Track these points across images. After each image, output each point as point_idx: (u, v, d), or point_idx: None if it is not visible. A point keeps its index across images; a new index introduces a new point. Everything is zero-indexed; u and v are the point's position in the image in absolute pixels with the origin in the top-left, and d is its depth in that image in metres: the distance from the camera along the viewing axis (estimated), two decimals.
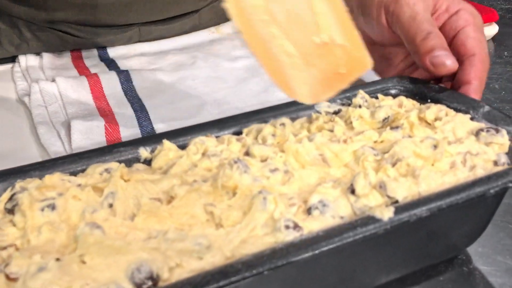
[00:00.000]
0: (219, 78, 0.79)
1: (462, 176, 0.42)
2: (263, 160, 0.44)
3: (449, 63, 0.53)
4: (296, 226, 0.36)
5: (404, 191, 0.39)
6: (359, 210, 0.39)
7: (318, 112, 0.53)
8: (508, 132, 0.46)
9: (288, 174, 0.42)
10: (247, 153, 0.44)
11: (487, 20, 0.96)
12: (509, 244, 0.49)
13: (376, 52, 0.62)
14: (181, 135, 0.48)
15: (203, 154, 0.44)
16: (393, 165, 0.42)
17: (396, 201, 0.39)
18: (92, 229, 0.34)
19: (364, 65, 0.45)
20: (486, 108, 0.50)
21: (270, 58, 0.43)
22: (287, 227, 0.36)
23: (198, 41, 0.95)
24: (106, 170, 0.42)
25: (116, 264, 0.33)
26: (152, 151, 0.47)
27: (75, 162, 0.44)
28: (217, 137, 0.48)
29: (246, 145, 0.45)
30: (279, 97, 0.73)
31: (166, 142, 0.46)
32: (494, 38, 0.98)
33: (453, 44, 0.56)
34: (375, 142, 0.46)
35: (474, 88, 0.53)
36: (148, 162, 0.46)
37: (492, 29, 0.97)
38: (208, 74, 0.81)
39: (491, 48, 0.96)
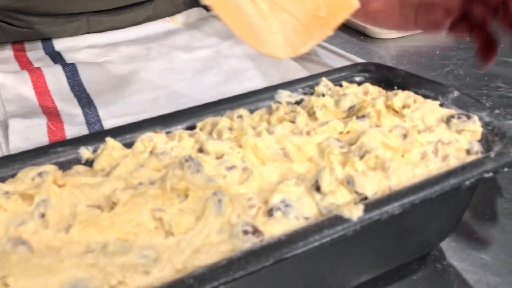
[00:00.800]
0: (175, 70, 0.74)
1: (434, 167, 0.39)
2: (219, 157, 0.39)
3: None
4: (255, 231, 0.32)
5: (373, 186, 0.36)
6: (325, 209, 0.35)
7: (278, 102, 0.49)
8: (480, 118, 0.43)
9: (246, 172, 0.38)
10: (200, 150, 0.40)
11: None
12: (483, 238, 0.47)
13: None
14: (127, 132, 0.43)
15: (151, 152, 0.39)
16: (361, 157, 0.38)
17: (366, 198, 0.36)
18: (15, 245, 0.29)
19: (348, 5, 0.38)
20: (456, 93, 0.47)
21: (233, 8, 0.37)
22: (245, 232, 0.32)
23: (152, 31, 0.89)
24: (40, 174, 0.37)
25: (46, 285, 0.28)
26: (95, 151, 0.42)
27: (4, 166, 0.39)
28: (167, 133, 0.43)
29: (200, 141, 0.41)
30: (239, 87, 0.69)
31: (109, 140, 0.41)
32: None
33: None
34: (340, 133, 0.43)
35: None
36: (90, 163, 0.41)
37: None
38: (163, 66, 0.75)
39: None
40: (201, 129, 0.44)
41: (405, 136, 0.40)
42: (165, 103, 0.64)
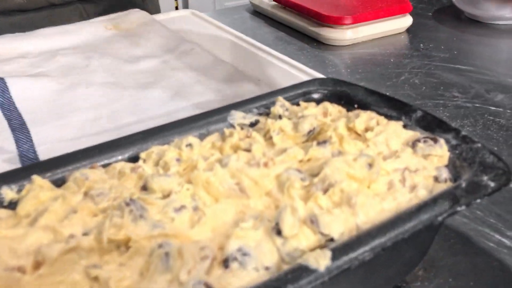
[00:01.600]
0: (118, 85, 0.68)
1: (403, 199, 0.36)
2: (166, 196, 0.35)
3: None
4: None
5: (340, 226, 0.32)
6: (288, 255, 0.31)
7: (231, 125, 0.45)
8: (446, 141, 0.40)
9: (198, 212, 0.34)
10: (144, 187, 0.35)
11: (400, 11, 0.93)
12: (451, 264, 0.44)
13: None
14: (59, 166, 0.38)
15: (86, 194, 0.34)
16: (325, 191, 0.35)
17: (331, 239, 0.32)
18: None
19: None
20: (419, 113, 0.44)
21: None
22: None
23: (92, 38, 0.83)
24: None
25: None
26: (20, 190, 0.36)
27: None
28: (106, 165, 0.38)
29: (143, 177, 0.36)
30: (188, 105, 0.64)
31: (36, 179, 0.35)
32: (408, 30, 0.96)
33: None
34: (300, 161, 0.39)
35: None
36: (14, 205, 0.35)
37: (406, 21, 0.95)
38: (105, 79, 0.69)
39: (406, 41, 0.93)
40: (145, 161, 0.39)
41: (370, 165, 0.36)
42: (106, 125, 0.58)
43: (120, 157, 0.40)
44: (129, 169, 0.36)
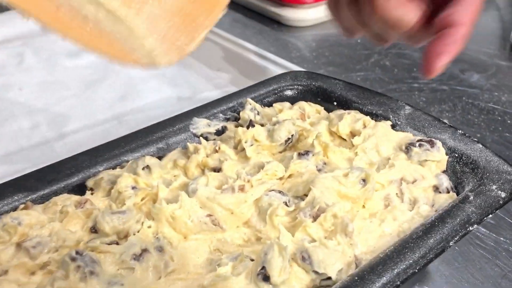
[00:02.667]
0: (58, 84, 0.59)
1: (404, 219, 0.31)
2: (122, 237, 0.28)
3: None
4: None
5: (337, 262, 0.27)
6: None
7: (195, 136, 0.38)
8: (442, 143, 0.35)
9: (163, 257, 0.27)
10: (94, 229, 0.28)
11: None
12: (447, 275, 0.40)
13: None
14: None
15: (18, 245, 0.27)
16: (315, 218, 0.29)
17: (329, 278, 0.27)
18: None
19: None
20: (407, 109, 0.39)
21: (67, 20, 0.24)
22: None
23: (26, 29, 0.73)
24: None
25: None
26: None
27: None
28: (43, 200, 0.31)
29: (93, 216, 0.29)
30: (141, 104, 0.56)
31: None
32: None
33: None
34: (280, 178, 0.33)
35: (465, 33, 0.35)
36: None
37: None
38: (42, 78, 0.61)
39: None
40: (93, 190, 0.32)
41: (364, 180, 0.31)
42: (47, 134, 0.50)
43: (62, 184, 0.33)
44: (73, 205, 0.29)
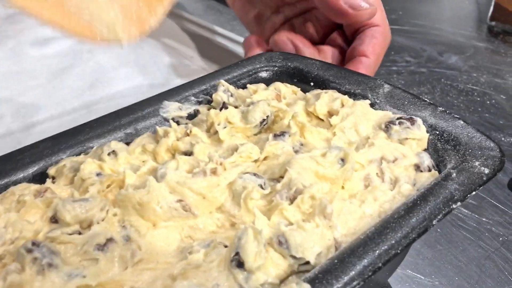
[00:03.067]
0: (24, 73, 0.57)
1: (386, 199, 0.29)
2: (86, 227, 0.26)
3: (364, 4, 0.40)
4: None
5: (315, 245, 0.25)
6: None
7: (165, 120, 0.36)
8: (423, 120, 0.34)
9: (130, 246, 0.25)
10: (54, 219, 0.26)
11: None
12: (430, 258, 0.39)
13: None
14: None
15: None
16: (292, 200, 0.27)
17: (307, 262, 0.25)
18: None
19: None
20: (387, 87, 0.38)
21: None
22: None
23: None
24: None
25: None
26: None
27: None
28: (0, 190, 0.29)
29: (53, 205, 0.27)
30: (111, 93, 0.54)
31: None
32: None
33: None
34: (256, 161, 0.31)
35: (369, 64, 0.41)
36: None
37: None
38: (6, 68, 0.58)
39: None
40: (54, 179, 0.30)
41: (343, 160, 0.30)
42: (11, 125, 0.47)
43: (21, 175, 0.31)
44: (32, 194, 0.27)
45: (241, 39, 0.64)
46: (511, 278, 0.37)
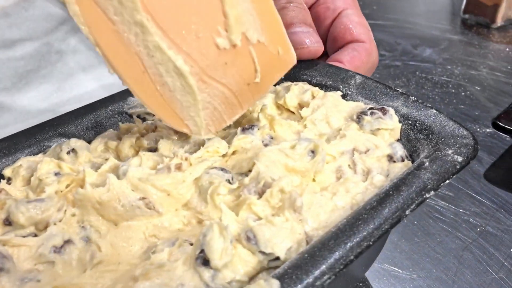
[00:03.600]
0: None
1: (358, 190, 0.28)
2: (42, 230, 0.25)
3: (309, 42, 0.39)
4: None
5: (285, 240, 0.24)
6: None
7: (131, 117, 0.35)
8: (395, 110, 0.33)
9: (90, 248, 0.24)
10: (8, 222, 0.25)
11: None
12: (407, 251, 0.38)
13: None
14: None
15: None
16: (260, 194, 0.26)
17: (277, 258, 0.24)
18: None
19: (287, 62, 0.29)
20: (358, 78, 0.37)
21: (149, 83, 0.26)
22: None
23: None
24: None
25: None
26: None
27: None
28: None
29: (6, 207, 0.25)
30: (80, 94, 0.53)
31: None
32: None
33: (335, 29, 0.43)
34: (224, 156, 0.30)
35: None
36: None
37: None
38: None
39: None
40: (10, 180, 0.28)
41: (313, 152, 0.29)
42: None
43: None
44: None
45: None
46: (489, 268, 0.37)
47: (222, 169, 0.28)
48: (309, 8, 0.44)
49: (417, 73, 0.60)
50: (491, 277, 0.36)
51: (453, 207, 0.42)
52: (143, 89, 0.26)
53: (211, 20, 0.26)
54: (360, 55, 0.41)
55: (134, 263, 0.24)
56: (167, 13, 0.25)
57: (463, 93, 0.55)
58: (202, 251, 0.23)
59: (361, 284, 0.36)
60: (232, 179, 0.27)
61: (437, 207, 0.42)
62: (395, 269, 0.37)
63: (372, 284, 0.36)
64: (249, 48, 0.27)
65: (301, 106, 0.34)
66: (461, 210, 0.42)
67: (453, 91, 0.56)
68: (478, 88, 0.56)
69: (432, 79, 0.59)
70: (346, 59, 0.41)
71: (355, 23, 0.42)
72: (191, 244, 0.25)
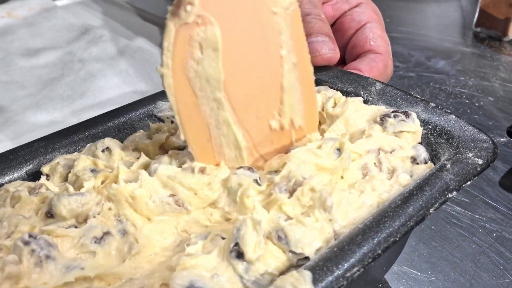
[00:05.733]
0: (14, 84, 0.56)
1: (383, 188, 0.29)
2: (82, 221, 0.26)
3: (325, 51, 0.41)
4: None
5: (315, 241, 0.25)
6: (255, 284, 0.23)
7: (160, 120, 0.36)
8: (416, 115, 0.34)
9: (127, 239, 0.25)
10: (50, 214, 0.26)
11: None
12: (426, 254, 0.39)
13: None
14: None
15: None
16: (291, 193, 0.27)
17: (306, 257, 0.25)
18: None
19: (308, 139, 0.32)
20: (379, 85, 0.38)
21: (208, 149, 0.29)
22: None
23: None
24: None
25: None
26: None
27: None
28: None
29: (48, 200, 0.26)
30: (103, 100, 0.54)
31: None
32: None
33: (356, 38, 0.45)
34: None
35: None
36: None
37: None
38: None
39: None
40: (49, 177, 0.30)
41: (339, 150, 0.30)
42: (0, 134, 0.47)
43: (15, 174, 0.30)
44: (26, 190, 0.27)
45: None
46: (506, 272, 0.37)
47: (249, 169, 0.29)
48: (336, 19, 0.46)
49: (431, 83, 0.61)
50: (508, 280, 0.37)
51: (469, 213, 0.43)
52: (203, 155, 0.29)
53: (271, 104, 0.30)
54: (378, 66, 0.43)
55: (169, 254, 0.25)
56: (240, 94, 0.29)
57: (476, 104, 0.57)
58: (236, 244, 0.24)
59: (380, 285, 0.37)
60: (259, 179, 0.28)
61: (454, 213, 0.43)
62: (414, 271, 0.38)
63: (391, 286, 0.37)
64: (292, 131, 0.31)
65: (323, 109, 0.35)
66: (477, 216, 0.42)
67: (467, 101, 0.57)
68: (491, 99, 0.57)
69: (446, 90, 0.60)
70: (366, 68, 0.42)
71: (376, 36, 0.44)
72: (223, 238, 0.26)
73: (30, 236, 0.23)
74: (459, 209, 0.43)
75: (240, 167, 0.29)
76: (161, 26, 0.73)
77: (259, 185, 0.28)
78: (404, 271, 0.38)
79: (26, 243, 0.22)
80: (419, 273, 0.38)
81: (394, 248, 0.33)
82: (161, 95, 0.38)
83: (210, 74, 0.27)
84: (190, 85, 0.27)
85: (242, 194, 0.27)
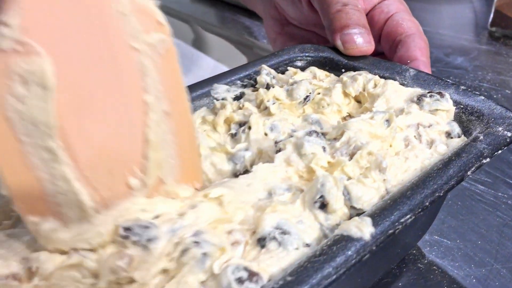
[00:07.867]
0: None
1: (425, 156, 0.33)
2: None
3: (360, 42, 0.44)
4: (252, 275, 0.23)
5: (373, 198, 0.29)
6: (328, 229, 0.28)
7: (216, 100, 0.40)
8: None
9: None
10: None
11: None
12: (454, 226, 0.43)
13: (291, 35, 0.55)
14: None
15: None
16: (351, 156, 0.31)
17: (362, 212, 0.29)
18: None
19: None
20: (412, 71, 0.42)
21: (43, 210, 0.24)
22: (239, 281, 0.23)
23: None
24: None
25: None
26: None
27: None
28: None
29: None
30: None
31: None
32: None
33: (388, 26, 0.47)
34: None
35: (424, 63, 0.45)
36: None
37: None
38: None
39: None
40: None
41: (388, 121, 0.34)
42: None
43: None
44: None
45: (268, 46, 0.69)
46: None
47: (316, 133, 0.33)
48: (366, 14, 0.49)
49: (451, 78, 0.65)
50: None
51: (492, 191, 0.47)
52: (35, 214, 0.24)
53: (129, 159, 0.25)
54: (420, 44, 0.46)
55: (257, 202, 0.29)
56: (84, 145, 0.23)
57: (495, 96, 0.61)
58: (321, 196, 0.28)
59: (414, 251, 0.40)
60: (325, 148, 0.32)
61: (478, 191, 0.47)
62: (444, 240, 0.42)
63: (424, 251, 0.40)
64: (160, 187, 0.27)
65: (364, 90, 0.39)
66: (499, 194, 0.46)
67: (486, 93, 0.61)
68: (509, 92, 0.61)
69: (465, 83, 0.64)
70: (418, 53, 0.45)
71: (406, 20, 0.47)
72: (301, 191, 0.29)
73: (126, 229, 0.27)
74: (483, 187, 0.47)
75: (313, 131, 0.33)
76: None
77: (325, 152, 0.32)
78: (435, 239, 0.42)
79: (125, 237, 0.26)
80: (449, 242, 0.41)
81: (428, 215, 0.37)
82: (216, 79, 0.42)
83: (37, 117, 0.22)
84: (10, 128, 0.22)
85: (313, 159, 0.31)
